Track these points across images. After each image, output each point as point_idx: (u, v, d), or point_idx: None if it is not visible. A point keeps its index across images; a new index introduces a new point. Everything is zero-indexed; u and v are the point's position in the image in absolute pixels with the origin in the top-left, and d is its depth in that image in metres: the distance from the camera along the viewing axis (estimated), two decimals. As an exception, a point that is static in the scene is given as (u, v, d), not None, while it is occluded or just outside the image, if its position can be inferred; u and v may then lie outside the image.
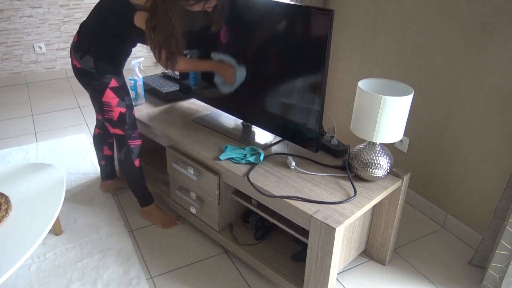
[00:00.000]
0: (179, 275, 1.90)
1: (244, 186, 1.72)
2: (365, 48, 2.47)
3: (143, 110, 2.26)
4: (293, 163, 1.76)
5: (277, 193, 1.60)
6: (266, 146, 1.92)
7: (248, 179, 1.67)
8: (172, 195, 2.17)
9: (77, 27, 3.44)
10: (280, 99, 1.80)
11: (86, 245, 2.04)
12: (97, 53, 1.79)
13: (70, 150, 2.87)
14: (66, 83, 4.08)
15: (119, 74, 1.88)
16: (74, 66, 1.85)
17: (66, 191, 2.44)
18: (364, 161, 1.65)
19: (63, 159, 2.77)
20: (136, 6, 1.67)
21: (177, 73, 2.44)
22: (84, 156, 2.80)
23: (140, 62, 2.27)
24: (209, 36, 1.98)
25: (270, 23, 1.72)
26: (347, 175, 1.73)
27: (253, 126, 2.08)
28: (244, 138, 1.98)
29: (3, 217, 1.65)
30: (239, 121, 2.14)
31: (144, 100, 2.35)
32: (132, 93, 2.28)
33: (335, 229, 1.42)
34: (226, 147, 1.87)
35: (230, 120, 2.14)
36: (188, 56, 2.08)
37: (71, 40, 4.12)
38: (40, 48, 4.01)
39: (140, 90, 2.29)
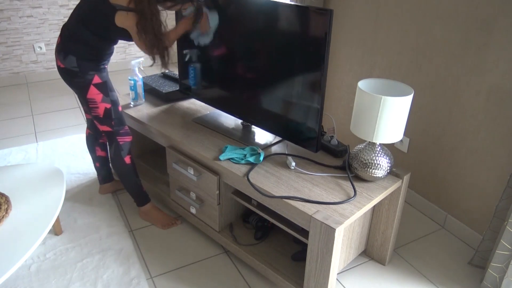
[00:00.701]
0: (179, 275, 1.90)
1: (244, 186, 1.72)
2: (365, 48, 2.47)
3: (143, 110, 2.26)
4: (293, 163, 1.76)
5: (277, 193, 1.60)
6: (266, 146, 1.92)
7: (248, 179, 1.67)
8: (172, 195, 2.17)
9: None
10: (280, 99, 1.80)
11: (86, 245, 2.04)
12: (79, 52, 1.85)
13: (70, 150, 2.87)
14: (66, 83, 4.08)
15: (101, 70, 1.93)
16: (58, 67, 1.91)
17: (66, 191, 2.44)
18: (364, 161, 1.65)
19: (63, 159, 2.77)
20: (116, 7, 1.74)
21: (177, 73, 2.45)
22: (84, 156, 2.80)
23: (140, 62, 2.27)
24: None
25: (270, 24, 1.73)
26: (347, 175, 1.73)
27: (253, 126, 2.08)
28: (244, 138, 1.98)
29: (3, 217, 1.65)
30: (239, 121, 2.14)
31: (144, 100, 2.35)
32: (132, 93, 2.28)
33: (335, 229, 1.42)
34: (226, 147, 1.87)
35: (230, 120, 2.14)
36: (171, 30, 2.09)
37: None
38: (40, 48, 4.01)
39: (140, 90, 2.29)
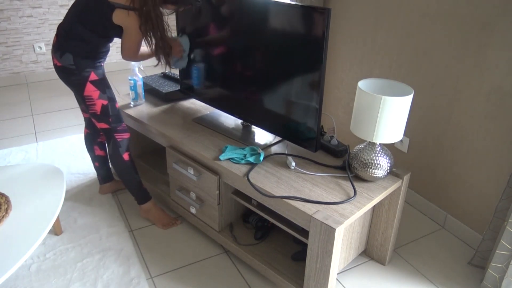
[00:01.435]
0: (179, 275, 1.90)
1: (244, 186, 1.72)
2: (365, 48, 2.47)
3: (143, 110, 2.26)
4: (293, 163, 1.76)
5: (277, 193, 1.60)
6: (266, 146, 1.92)
7: (248, 179, 1.67)
8: (172, 195, 2.17)
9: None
10: (279, 98, 1.80)
11: (86, 245, 2.04)
12: (75, 49, 1.86)
13: (70, 150, 2.87)
14: (66, 83, 4.08)
15: (98, 68, 1.94)
16: (55, 65, 1.92)
17: (66, 191, 2.44)
18: (364, 161, 1.65)
19: (63, 159, 2.77)
20: (115, 5, 1.75)
21: (177, 73, 2.45)
22: (84, 156, 2.80)
23: (140, 62, 2.27)
24: (208, 36, 1.98)
25: (268, 23, 1.73)
26: (347, 175, 1.73)
27: (253, 126, 2.08)
28: (244, 138, 1.98)
29: (3, 217, 1.65)
30: (239, 121, 2.14)
31: (144, 100, 2.35)
32: (132, 93, 2.28)
33: (335, 229, 1.42)
34: (226, 147, 1.87)
35: (230, 120, 2.14)
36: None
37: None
38: (40, 48, 4.01)
39: (140, 90, 2.29)
